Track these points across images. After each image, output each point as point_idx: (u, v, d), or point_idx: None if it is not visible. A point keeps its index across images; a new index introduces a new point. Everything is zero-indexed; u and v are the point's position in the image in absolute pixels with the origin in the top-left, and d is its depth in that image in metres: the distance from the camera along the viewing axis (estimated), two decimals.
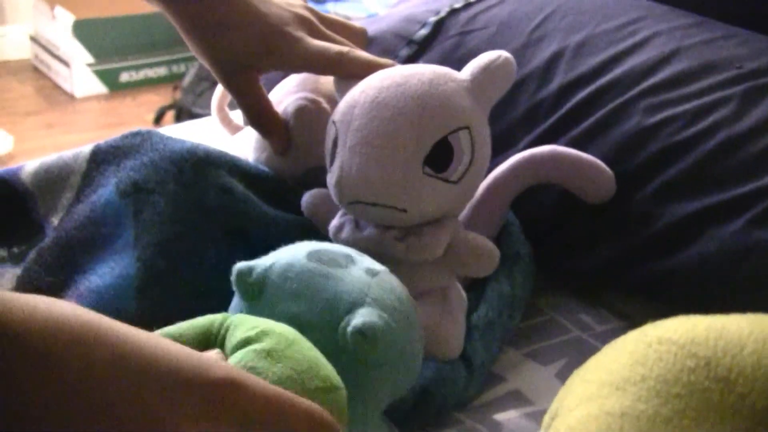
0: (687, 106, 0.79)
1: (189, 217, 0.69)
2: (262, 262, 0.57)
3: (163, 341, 0.41)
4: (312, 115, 0.77)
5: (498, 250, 0.67)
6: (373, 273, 0.57)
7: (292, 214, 0.75)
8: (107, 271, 0.67)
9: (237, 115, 1.03)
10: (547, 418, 0.53)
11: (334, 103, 0.72)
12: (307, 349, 0.48)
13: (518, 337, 0.77)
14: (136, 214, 0.68)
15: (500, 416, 0.67)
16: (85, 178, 0.72)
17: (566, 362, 0.73)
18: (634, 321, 0.78)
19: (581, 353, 0.74)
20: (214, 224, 0.70)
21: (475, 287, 0.75)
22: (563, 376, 0.71)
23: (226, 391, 0.40)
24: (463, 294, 0.72)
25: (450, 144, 0.64)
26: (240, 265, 0.56)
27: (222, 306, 0.61)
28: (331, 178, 0.67)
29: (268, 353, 0.46)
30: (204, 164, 0.72)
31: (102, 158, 0.73)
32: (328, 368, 0.48)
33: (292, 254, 0.57)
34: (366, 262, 0.58)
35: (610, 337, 0.75)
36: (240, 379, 0.41)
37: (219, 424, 0.39)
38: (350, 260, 0.58)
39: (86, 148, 0.74)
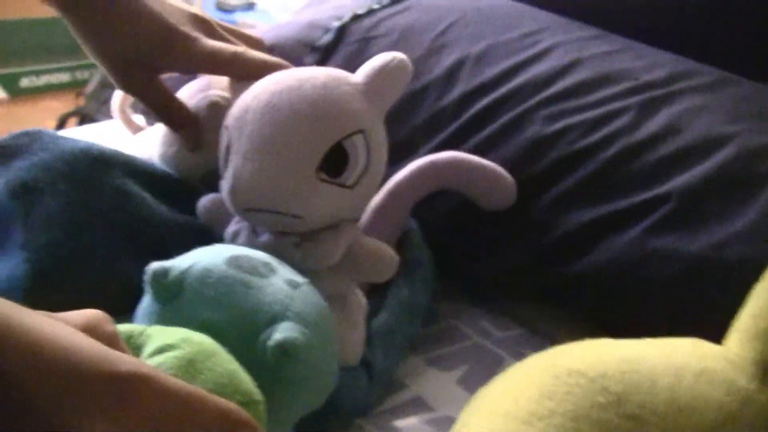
0: (585, 115, 0.80)
1: (81, 218, 0.67)
2: (178, 264, 0.54)
3: (69, 333, 0.38)
4: (224, 111, 0.75)
5: (396, 256, 0.67)
6: (294, 285, 0.56)
7: (189, 216, 0.73)
8: None
9: (139, 117, 1.01)
10: None
11: None
12: (227, 362, 0.47)
13: (419, 343, 0.76)
14: (26, 215, 0.66)
15: (401, 423, 0.66)
16: None
17: (468, 369, 0.73)
18: (533, 327, 0.79)
19: (482, 360, 0.75)
20: (108, 225, 0.68)
21: (376, 293, 0.75)
22: (464, 382, 0.72)
23: (131, 386, 0.38)
24: (363, 300, 0.71)
25: (344, 149, 0.63)
26: (155, 265, 0.54)
27: (116, 309, 0.59)
28: (224, 185, 0.65)
29: (189, 362, 0.45)
30: (98, 164, 0.69)
31: None
32: (248, 381, 0.47)
33: (211, 258, 0.55)
34: (287, 272, 0.57)
35: (510, 344, 0.77)
36: (148, 374, 0.39)
37: (123, 422, 0.37)
38: (271, 269, 0.56)
39: None
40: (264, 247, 0.63)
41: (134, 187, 0.71)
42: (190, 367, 0.45)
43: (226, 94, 0.78)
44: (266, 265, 0.56)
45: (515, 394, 0.47)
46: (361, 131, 0.63)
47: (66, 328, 0.39)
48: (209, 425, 0.40)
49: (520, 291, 0.82)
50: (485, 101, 0.85)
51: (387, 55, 0.66)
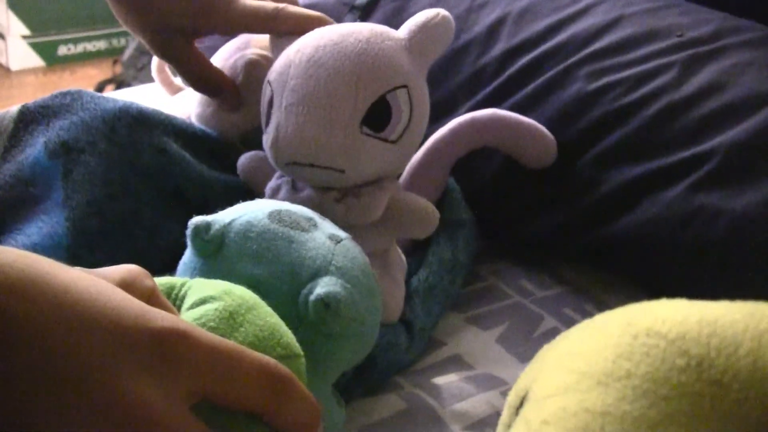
0: (628, 72, 0.79)
1: (122, 177, 0.67)
2: (220, 218, 0.54)
3: (107, 289, 0.38)
4: (263, 69, 0.75)
5: (437, 211, 0.66)
6: (336, 240, 0.55)
7: (229, 175, 0.73)
8: (35, 231, 0.64)
9: (179, 78, 1.01)
10: (513, 396, 0.49)
11: None
12: (268, 315, 0.46)
13: (459, 301, 0.76)
14: (66, 174, 0.66)
15: (440, 380, 0.66)
16: (11, 139, 0.70)
17: (507, 327, 0.73)
18: (575, 286, 0.79)
19: (522, 318, 0.74)
20: (149, 185, 0.68)
21: (417, 252, 0.74)
22: (503, 341, 0.71)
23: (170, 343, 0.38)
24: (403, 257, 0.71)
25: (388, 103, 0.62)
26: (196, 219, 0.53)
27: (159, 268, 0.59)
28: (266, 139, 0.65)
29: (231, 315, 0.44)
30: (137, 123, 0.69)
31: (30, 118, 0.70)
32: (288, 335, 0.46)
33: (253, 212, 0.54)
34: (328, 227, 0.57)
35: (550, 303, 0.76)
36: (187, 330, 0.38)
37: (164, 378, 0.37)
38: (313, 224, 0.56)
39: (14, 108, 0.71)
40: (305, 202, 0.63)
41: (174, 147, 0.71)
42: (230, 319, 0.44)
43: (265, 52, 0.77)
44: (308, 219, 0.56)
45: (589, 352, 0.45)
46: (404, 86, 0.63)
47: (103, 284, 0.39)
48: (248, 381, 0.40)
49: (562, 251, 0.81)
50: (527, 59, 0.84)
51: (430, 11, 0.65)
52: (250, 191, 0.71)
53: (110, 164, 0.67)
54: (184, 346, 0.38)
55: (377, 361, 0.64)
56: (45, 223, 0.65)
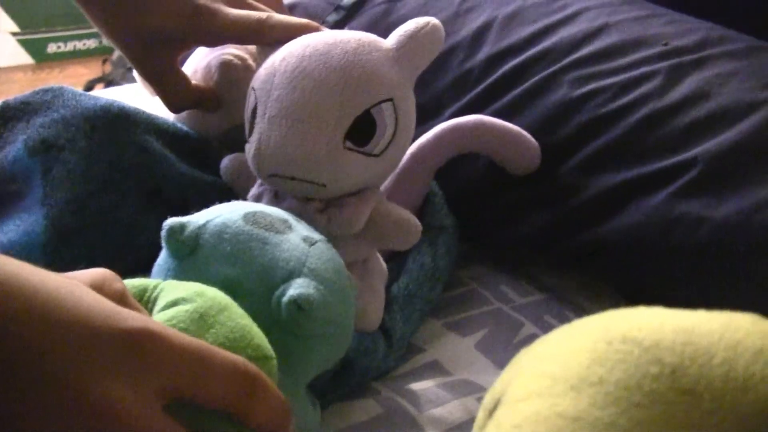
0: (613, 79, 0.79)
1: (102, 175, 0.67)
2: (195, 219, 0.54)
3: (77, 290, 0.38)
4: (238, 71, 0.75)
5: (420, 224, 0.66)
6: (311, 242, 0.55)
7: (211, 176, 0.73)
8: (12, 228, 0.64)
9: None
10: (488, 398, 0.49)
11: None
12: (239, 316, 0.46)
13: (438, 307, 0.76)
14: (46, 172, 0.66)
15: (417, 386, 0.66)
16: None
17: (486, 333, 0.73)
18: (556, 294, 0.79)
19: (502, 325, 0.74)
20: (129, 183, 0.68)
21: (396, 258, 0.74)
22: (482, 347, 0.71)
23: (140, 342, 0.38)
24: (384, 265, 0.70)
25: (373, 117, 0.61)
26: (171, 221, 0.53)
27: (135, 267, 0.59)
28: (249, 149, 0.64)
29: (201, 316, 0.44)
30: (119, 121, 0.69)
31: (11, 115, 0.70)
32: (260, 337, 0.46)
33: (228, 214, 0.55)
34: (303, 229, 0.57)
35: (531, 310, 0.76)
36: (157, 330, 0.39)
37: (133, 377, 0.37)
38: (288, 226, 0.55)
39: None
40: (287, 212, 0.62)
41: (156, 145, 0.70)
42: (201, 320, 0.44)
43: (239, 52, 0.76)
44: (283, 221, 0.56)
45: (564, 356, 0.45)
46: (390, 99, 0.62)
47: (73, 285, 0.39)
48: (218, 379, 0.40)
49: (543, 256, 0.81)
50: (512, 64, 0.83)
51: (420, 20, 0.64)
52: (230, 191, 0.71)
53: (90, 162, 0.66)
54: (154, 345, 0.38)
55: (354, 367, 0.64)
56: (23, 221, 0.65)
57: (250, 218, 0.54)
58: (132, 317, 0.39)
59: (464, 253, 0.82)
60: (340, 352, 0.56)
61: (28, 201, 0.66)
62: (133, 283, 0.47)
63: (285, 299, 0.50)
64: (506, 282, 0.80)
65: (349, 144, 0.61)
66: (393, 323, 0.68)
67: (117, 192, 0.67)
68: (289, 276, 0.52)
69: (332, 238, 0.59)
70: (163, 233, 0.53)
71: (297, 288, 0.50)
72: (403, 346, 0.70)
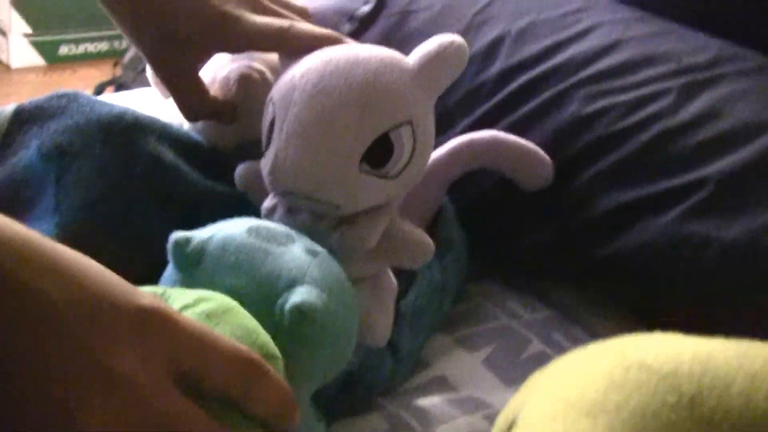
0: (625, 96, 0.79)
1: (114, 183, 0.67)
2: (199, 234, 0.55)
3: (96, 265, 0.41)
4: (256, 85, 0.74)
5: (432, 243, 0.65)
6: (314, 253, 0.56)
7: (223, 186, 0.73)
8: None
9: None
10: (502, 420, 0.49)
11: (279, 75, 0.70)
12: (245, 317, 0.48)
13: (447, 321, 0.76)
14: (59, 178, 0.66)
15: (423, 401, 0.66)
16: (5, 138, 0.69)
17: (494, 349, 0.72)
18: (564, 310, 0.78)
19: (509, 341, 0.74)
20: (142, 193, 0.68)
21: (405, 271, 0.74)
22: (489, 363, 0.71)
23: (153, 319, 0.40)
24: (394, 282, 0.70)
25: (390, 140, 0.60)
26: (177, 234, 0.55)
27: (147, 276, 0.59)
28: (265, 164, 0.63)
29: (207, 315, 0.46)
30: (132, 130, 0.69)
31: (25, 118, 0.70)
32: (265, 336, 0.48)
33: (231, 228, 0.56)
34: (306, 242, 0.57)
35: (539, 326, 0.76)
36: (169, 310, 0.41)
37: (146, 351, 0.39)
38: (290, 239, 0.56)
39: (9, 107, 0.71)
40: (300, 227, 0.62)
41: (169, 155, 0.70)
42: (207, 320, 0.46)
43: (259, 66, 0.76)
44: (286, 235, 0.57)
45: (579, 381, 0.45)
46: (409, 122, 0.61)
47: (92, 261, 0.41)
48: (222, 362, 0.42)
49: (552, 273, 0.81)
50: (524, 78, 0.83)
51: (444, 38, 0.62)
52: (243, 202, 0.70)
53: (103, 170, 0.67)
54: (165, 323, 0.41)
55: (360, 382, 0.64)
56: (35, 228, 0.64)
57: (253, 231, 0.56)
58: (147, 296, 0.41)
59: (473, 268, 0.82)
60: (342, 362, 0.57)
61: (41, 208, 0.66)
62: (142, 290, 0.48)
63: (288, 306, 0.51)
64: (515, 298, 0.80)
65: (365, 167, 0.60)
66: (401, 338, 0.68)
67: (128, 200, 0.67)
68: (292, 284, 0.52)
69: (344, 254, 0.59)
70: (168, 246, 0.54)
71: (299, 295, 0.51)
72: (411, 363, 0.69)
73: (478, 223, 0.82)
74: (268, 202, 0.67)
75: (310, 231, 0.60)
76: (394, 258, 0.65)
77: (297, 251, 0.55)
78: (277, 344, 0.48)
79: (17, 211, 0.66)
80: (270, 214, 0.66)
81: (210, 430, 0.41)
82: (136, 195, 0.68)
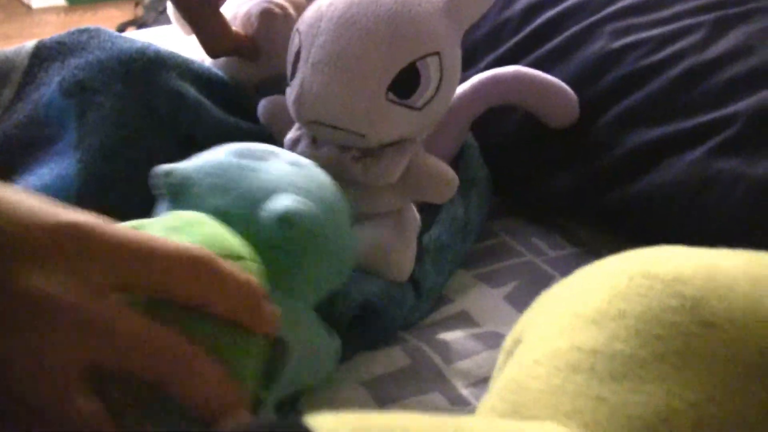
0: (654, 31, 0.77)
1: (136, 121, 0.66)
2: (182, 164, 0.54)
3: (18, 194, 0.39)
4: (278, 19, 0.74)
5: (456, 177, 0.65)
6: (298, 165, 0.55)
7: (246, 122, 0.72)
8: (46, 172, 0.64)
9: None
10: (508, 340, 0.49)
11: (302, 11, 0.69)
12: (212, 227, 0.47)
13: (469, 258, 0.75)
14: (80, 115, 0.66)
15: (445, 336, 0.66)
16: (26, 75, 0.69)
17: (516, 285, 0.72)
18: (588, 248, 0.78)
19: (532, 277, 0.73)
20: (163, 130, 0.68)
21: (429, 207, 0.73)
22: (512, 299, 0.71)
23: (71, 236, 0.38)
24: (417, 216, 0.70)
25: (418, 70, 0.60)
26: (158, 168, 0.53)
27: None
28: (290, 93, 0.63)
29: (167, 228, 0.45)
30: (154, 66, 0.68)
31: (46, 54, 0.69)
32: (232, 241, 0.47)
33: (213, 154, 0.55)
34: (290, 156, 0.56)
35: (562, 263, 0.75)
36: (89, 223, 0.39)
37: (70, 266, 0.37)
38: (273, 154, 0.55)
39: (30, 44, 0.70)
40: (324, 159, 0.62)
41: (191, 91, 0.70)
42: (165, 232, 0.45)
43: (282, 1, 0.75)
44: (269, 152, 0.56)
45: (584, 294, 0.45)
46: (436, 53, 0.61)
47: (18, 191, 0.39)
48: (166, 268, 0.40)
49: (578, 212, 0.80)
50: (550, 14, 0.82)
51: None
52: (265, 139, 0.70)
53: (125, 107, 0.66)
54: (86, 238, 0.38)
55: (382, 316, 0.63)
56: (57, 164, 0.64)
57: (236, 153, 0.55)
58: (63, 213, 0.39)
59: (496, 205, 0.82)
60: (341, 272, 0.56)
61: (62, 145, 0.65)
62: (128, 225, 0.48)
63: (269, 213, 0.50)
64: (538, 235, 0.80)
65: (391, 96, 0.60)
66: (423, 274, 0.68)
67: (150, 138, 0.67)
68: (273, 193, 0.52)
69: (368, 188, 0.59)
70: (152, 180, 0.53)
71: (280, 201, 0.50)
72: (432, 297, 0.69)
73: (502, 162, 0.82)
74: (291, 134, 0.66)
75: (334, 163, 0.60)
76: (418, 192, 0.65)
77: (280, 164, 0.54)
78: (265, 258, 0.48)
79: (39, 147, 0.66)
80: (293, 146, 0.65)
81: (157, 337, 0.39)
82: (157, 133, 0.67)
